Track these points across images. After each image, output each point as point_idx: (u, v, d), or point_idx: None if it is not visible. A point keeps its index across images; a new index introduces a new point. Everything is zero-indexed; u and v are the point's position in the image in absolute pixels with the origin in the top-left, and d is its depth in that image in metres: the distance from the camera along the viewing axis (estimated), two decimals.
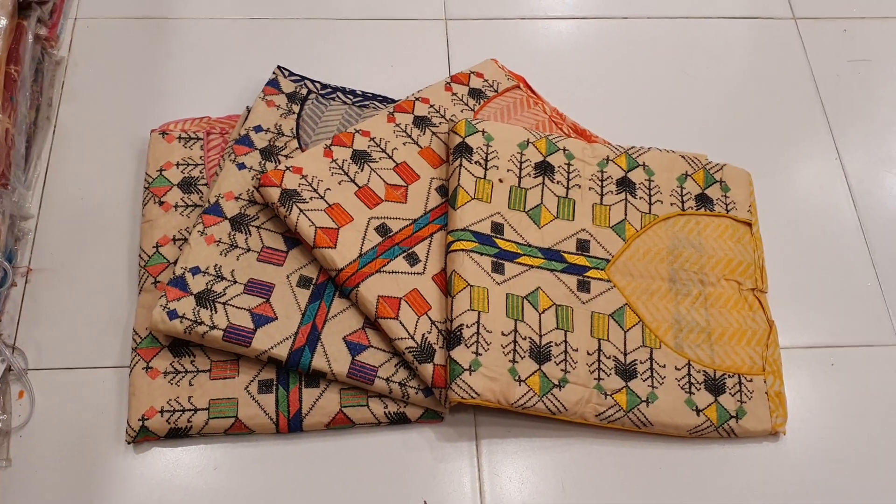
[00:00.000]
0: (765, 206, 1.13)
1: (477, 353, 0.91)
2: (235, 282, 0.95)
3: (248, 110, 1.09)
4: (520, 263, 0.98)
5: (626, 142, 1.13)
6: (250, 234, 0.99)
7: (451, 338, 0.92)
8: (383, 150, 1.05)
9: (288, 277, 0.97)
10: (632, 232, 1.04)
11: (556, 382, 0.92)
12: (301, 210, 0.97)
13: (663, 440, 0.97)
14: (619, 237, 1.03)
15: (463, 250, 0.96)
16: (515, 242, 0.99)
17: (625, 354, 0.96)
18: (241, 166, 1.03)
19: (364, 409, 0.93)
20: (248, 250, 0.98)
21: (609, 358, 0.95)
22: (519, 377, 0.91)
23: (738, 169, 1.13)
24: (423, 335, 0.93)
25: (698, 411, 0.95)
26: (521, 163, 1.05)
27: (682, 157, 1.11)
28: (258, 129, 1.06)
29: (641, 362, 0.96)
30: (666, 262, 1.03)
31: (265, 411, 0.92)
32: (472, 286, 0.94)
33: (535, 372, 0.92)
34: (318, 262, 0.97)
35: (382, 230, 0.99)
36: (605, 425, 0.94)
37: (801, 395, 1.02)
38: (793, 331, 1.06)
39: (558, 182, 1.05)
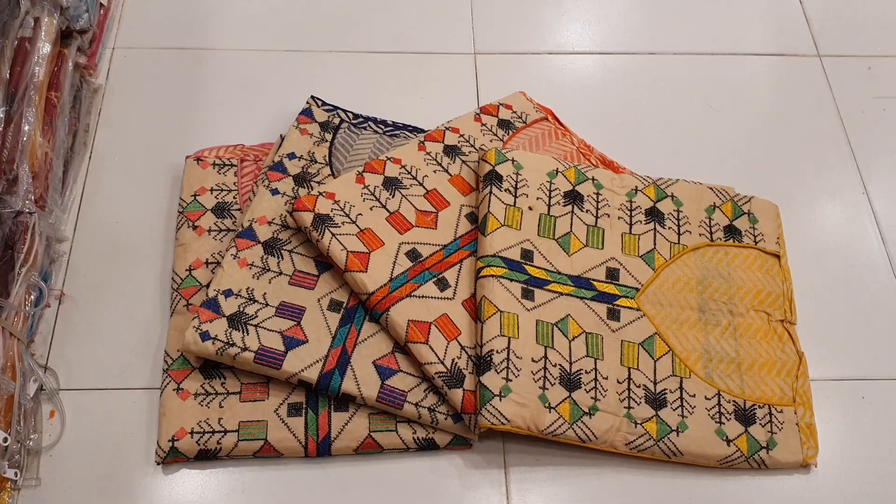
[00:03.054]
0: (792, 239, 1.13)
1: (507, 379, 0.91)
2: (267, 304, 0.96)
3: (282, 138, 1.11)
4: (550, 290, 0.98)
5: (653, 174, 1.14)
6: (282, 258, 1.00)
7: (482, 363, 0.92)
8: (414, 178, 1.06)
9: (319, 301, 0.97)
10: (661, 261, 1.04)
11: (587, 410, 0.92)
12: (333, 234, 0.98)
13: (693, 470, 0.96)
14: (648, 266, 1.03)
15: (493, 276, 0.97)
16: (545, 269, 1.00)
17: (655, 383, 0.96)
18: (275, 192, 1.04)
19: (393, 433, 0.93)
20: (280, 274, 0.99)
21: (639, 387, 0.95)
22: (549, 404, 0.91)
23: (765, 201, 1.13)
24: (453, 360, 0.93)
25: (728, 441, 0.94)
26: (550, 191, 1.06)
27: (710, 188, 1.11)
28: (291, 156, 1.08)
29: (671, 391, 0.96)
30: (695, 291, 1.03)
31: (294, 434, 0.92)
32: (502, 312, 0.94)
33: (566, 399, 0.92)
34: (348, 286, 0.98)
35: (413, 255, 0.99)
36: (635, 454, 0.93)
37: (832, 428, 1.01)
38: (822, 363, 1.05)
39: (587, 211, 1.05)
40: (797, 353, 1.03)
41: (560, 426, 0.90)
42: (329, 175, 1.08)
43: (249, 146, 1.13)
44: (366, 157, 1.11)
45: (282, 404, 0.94)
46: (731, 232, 1.09)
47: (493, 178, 1.04)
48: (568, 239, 1.03)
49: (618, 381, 0.95)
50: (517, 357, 0.92)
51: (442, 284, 0.98)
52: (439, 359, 0.93)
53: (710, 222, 1.09)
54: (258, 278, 0.98)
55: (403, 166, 1.07)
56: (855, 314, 1.10)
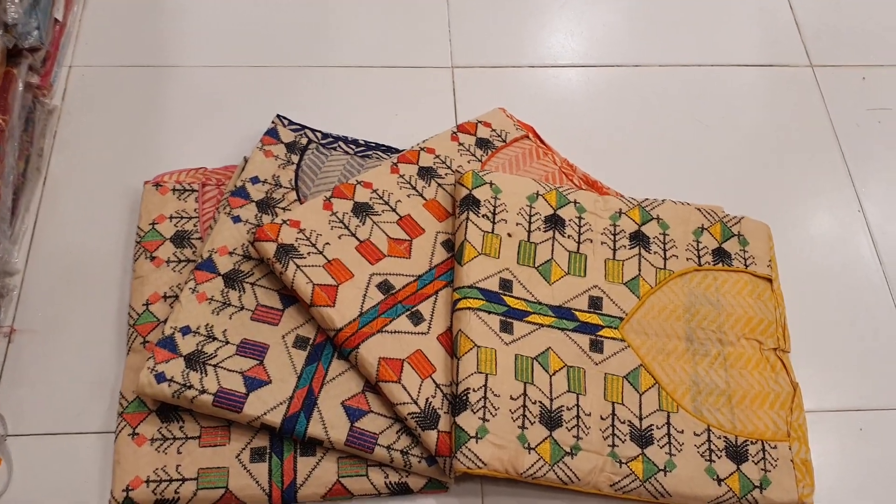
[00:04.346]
0: (785, 261, 1.08)
1: (484, 419, 0.85)
2: (227, 342, 0.90)
3: (246, 161, 1.05)
4: (529, 322, 0.93)
5: (639, 193, 1.08)
6: (244, 292, 0.94)
7: (457, 402, 0.86)
8: (386, 203, 1.00)
9: (283, 338, 0.91)
10: (646, 288, 0.98)
11: (568, 450, 0.86)
12: (298, 266, 0.92)
13: None
14: (632, 294, 0.97)
15: (470, 308, 0.91)
16: (525, 300, 0.94)
17: (640, 419, 0.90)
18: (237, 219, 0.98)
19: (363, 479, 0.87)
20: (242, 308, 0.93)
21: (624, 423, 0.89)
22: (528, 444, 0.85)
23: (756, 222, 1.08)
24: (427, 400, 0.87)
25: (720, 481, 0.88)
26: (530, 216, 1.00)
27: (698, 209, 1.06)
28: (255, 180, 1.02)
29: (658, 427, 0.90)
30: (682, 320, 0.98)
31: (257, 482, 0.86)
32: (479, 347, 0.89)
33: (546, 439, 0.86)
34: (315, 322, 0.92)
35: (385, 287, 0.93)
36: (621, 496, 0.87)
37: (829, 462, 0.95)
38: (818, 393, 1.00)
39: (569, 236, 1.00)
40: (791, 383, 0.97)
41: (540, 468, 0.85)
42: (295, 200, 1.02)
43: (212, 169, 1.07)
44: (335, 180, 1.05)
45: (244, 449, 0.87)
46: (721, 255, 1.03)
47: (471, 203, 0.98)
48: (549, 267, 0.97)
49: (601, 418, 0.89)
50: (495, 395, 0.87)
51: (416, 318, 0.93)
52: (412, 398, 0.87)
53: (697, 245, 1.03)
54: (218, 314, 0.92)
55: (375, 191, 1.01)
56: (853, 339, 1.05)
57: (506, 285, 0.94)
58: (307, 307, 0.91)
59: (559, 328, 0.93)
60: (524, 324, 0.92)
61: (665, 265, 1.01)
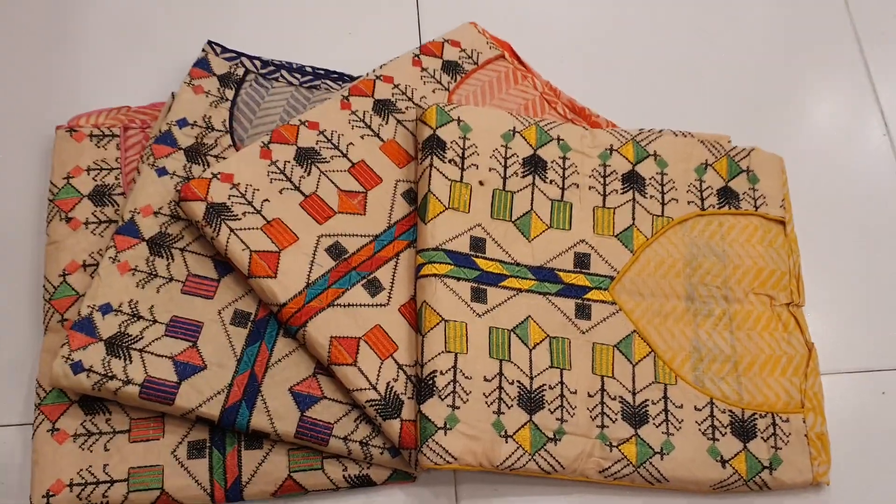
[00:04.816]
0: (798, 196, 0.94)
1: (454, 407, 0.73)
2: (155, 321, 0.77)
3: (174, 98, 0.90)
4: (506, 287, 0.80)
5: (633, 120, 0.94)
6: (173, 259, 0.80)
7: (423, 388, 0.74)
8: (336, 147, 0.86)
9: (220, 313, 0.79)
10: (641, 240, 0.85)
11: (551, 435, 0.75)
12: (232, 230, 0.78)
13: (681, 494, 0.80)
14: (625, 248, 0.84)
15: (435, 275, 0.78)
16: (500, 262, 0.81)
17: (633, 394, 0.79)
18: (162, 172, 0.84)
19: (318, 472, 0.77)
20: (171, 280, 0.79)
21: (614, 399, 0.78)
22: (505, 432, 0.74)
23: (768, 154, 0.93)
24: (389, 384, 0.75)
25: (724, 462, 0.78)
26: (506, 159, 0.85)
27: (702, 142, 0.91)
28: (182, 122, 0.87)
29: (654, 403, 0.79)
30: (682, 276, 0.85)
31: (197, 480, 0.75)
32: (447, 321, 0.76)
33: (526, 424, 0.75)
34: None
35: (335, 251, 0.80)
36: (611, 482, 0.77)
37: (847, 431, 0.85)
38: (835, 353, 0.88)
39: (552, 181, 0.86)
40: (806, 343, 0.85)
41: (519, 458, 0.74)
42: (230, 146, 0.87)
43: (136, 108, 0.92)
44: (277, 118, 0.90)
45: (180, 443, 0.76)
46: (727, 196, 0.89)
47: (435, 145, 0.83)
48: (528, 220, 0.83)
49: (588, 395, 0.78)
50: (466, 377, 0.75)
51: (373, 287, 0.80)
52: (371, 383, 0.75)
53: (700, 185, 0.89)
54: (143, 287, 0.79)
55: (322, 132, 0.86)
56: (876, 290, 0.93)
57: (478, 245, 0.81)
58: (245, 279, 0.78)
59: (540, 293, 0.81)
60: (500, 290, 0.80)
61: (663, 211, 0.87)
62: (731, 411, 0.80)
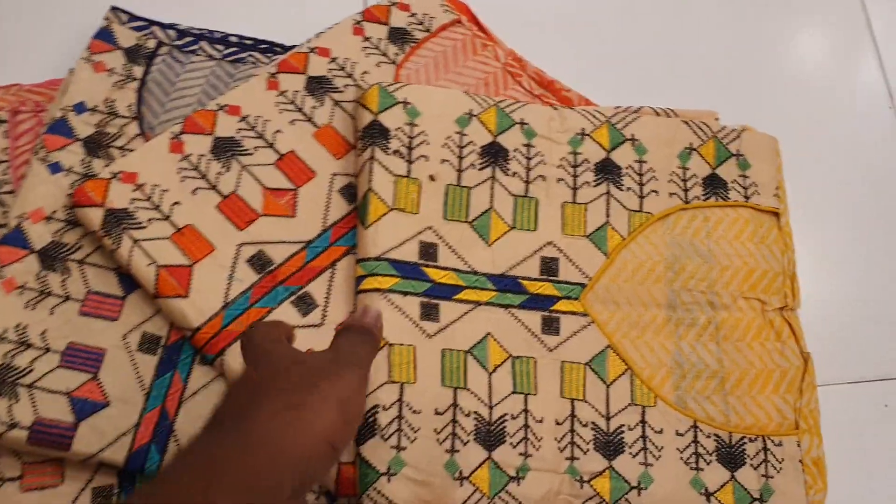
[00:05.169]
0: (793, 178, 0.83)
1: (399, 448, 0.63)
2: (48, 349, 0.66)
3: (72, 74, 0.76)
4: (461, 301, 0.69)
5: (607, 95, 0.82)
6: (69, 274, 0.68)
7: (361, 427, 0.63)
8: (260, 136, 0.73)
9: (125, 338, 0.67)
10: (616, 241, 0.74)
11: (513, 473, 0.65)
12: (135, 240, 0.66)
13: None
14: (598, 250, 0.73)
15: (378, 290, 0.66)
16: (455, 270, 0.70)
17: (607, 419, 0.69)
18: (56, 168, 0.71)
19: None
20: (67, 299, 0.68)
21: (585, 426, 0.68)
22: (460, 473, 0.64)
23: (760, 135, 0.82)
24: None
25: (709, 495, 0.68)
26: (461, 148, 0.73)
27: (685, 122, 0.80)
28: (80, 107, 0.74)
29: (630, 428, 0.69)
30: (663, 280, 0.74)
31: None
32: (391, 345, 0.65)
33: (484, 462, 0.65)
34: None
35: (259, 263, 0.68)
36: None
37: (845, 448, 0.75)
38: (832, 362, 0.78)
39: (514, 174, 0.74)
40: (801, 354, 0.76)
41: (477, 503, 0.63)
42: (138, 135, 0.74)
43: (28, 87, 0.78)
44: (194, 102, 0.77)
45: (83, 491, 0.66)
46: (714, 185, 0.78)
47: (377, 134, 0.71)
48: (487, 220, 0.72)
49: (556, 423, 0.68)
50: (413, 412, 0.64)
51: (305, 304, 0.68)
52: None
53: (684, 174, 0.78)
54: (34, 308, 0.67)
55: (244, 118, 0.73)
56: (879, 289, 0.82)
57: (428, 252, 0.69)
58: (153, 298, 0.66)
59: (502, 305, 0.70)
60: (454, 304, 0.69)
61: (641, 206, 0.76)
62: (716, 435, 0.70)
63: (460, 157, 0.73)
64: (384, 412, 0.63)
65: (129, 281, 0.68)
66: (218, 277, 0.67)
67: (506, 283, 0.70)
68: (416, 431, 0.64)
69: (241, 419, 0.42)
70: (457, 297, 0.69)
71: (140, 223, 0.67)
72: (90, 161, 0.72)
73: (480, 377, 0.67)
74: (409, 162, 0.71)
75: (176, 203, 0.68)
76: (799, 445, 0.72)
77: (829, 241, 0.83)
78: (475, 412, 0.66)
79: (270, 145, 0.73)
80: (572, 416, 0.68)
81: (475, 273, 0.70)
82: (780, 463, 0.71)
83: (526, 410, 0.67)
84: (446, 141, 0.73)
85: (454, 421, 0.65)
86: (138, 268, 0.66)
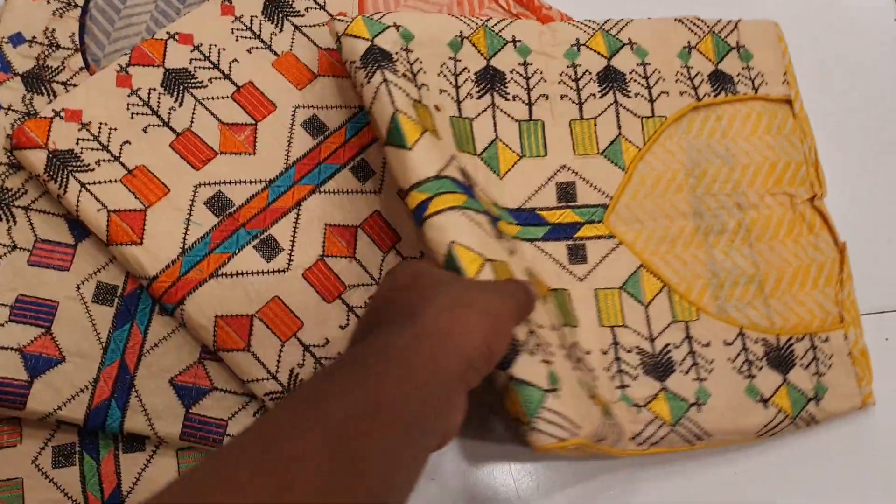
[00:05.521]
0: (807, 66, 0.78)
1: (547, 361, 0.55)
2: None
3: (5, 4, 0.70)
4: (502, 230, 0.64)
5: (591, 13, 0.76)
6: (15, 222, 0.64)
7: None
8: (216, 66, 0.67)
9: (78, 288, 0.63)
10: (632, 153, 0.69)
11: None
12: (83, 184, 0.61)
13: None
14: (615, 166, 0.69)
15: (454, 208, 0.57)
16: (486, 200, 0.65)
17: (651, 341, 0.65)
18: None
19: None
20: (14, 248, 0.63)
21: (630, 352, 0.65)
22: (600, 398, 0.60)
23: (758, 22, 0.77)
24: (293, 372, 0.61)
25: (765, 402, 0.65)
26: (455, 76, 0.68)
27: (678, 21, 0.75)
28: (17, 39, 0.68)
29: (676, 346, 0.66)
30: (686, 188, 0.70)
31: (66, 493, 0.62)
32: (490, 262, 0.56)
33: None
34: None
35: (218, 204, 0.64)
36: (648, 451, 0.63)
37: None
38: None
39: (515, 97, 0.69)
40: (837, 244, 0.73)
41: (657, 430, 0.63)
42: (82, 69, 0.68)
43: None
44: (143, 29, 0.71)
45: (43, 450, 0.62)
46: (720, 81, 0.74)
47: (379, 57, 0.62)
48: (495, 152, 0.67)
49: (602, 352, 0.64)
50: (539, 326, 0.57)
51: (268, 249, 0.64)
52: (270, 372, 0.60)
53: (689, 73, 0.73)
54: None
55: (197, 47, 0.68)
56: (874, 224, 0.78)
57: (466, 175, 0.62)
58: (105, 245, 0.62)
59: (527, 239, 0.66)
60: (501, 231, 0.63)
61: (653, 111, 0.71)
62: (764, 340, 0.67)
63: (457, 87, 0.67)
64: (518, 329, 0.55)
65: (80, 228, 0.64)
66: (174, 222, 0.62)
67: (525, 217, 0.66)
68: (552, 347, 0.57)
69: (410, 316, 0.43)
70: (499, 225, 0.63)
71: (87, 165, 0.62)
72: (31, 98, 0.66)
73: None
74: (417, 87, 0.64)
75: (126, 142, 0.63)
76: (846, 338, 0.69)
77: (829, 167, 0.78)
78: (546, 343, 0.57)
79: (226, 76, 0.67)
80: (615, 343, 0.65)
81: (498, 206, 0.65)
82: (830, 359, 0.68)
83: (573, 343, 0.62)
84: (441, 69, 0.67)
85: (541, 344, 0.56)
86: (88, 214, 0.61)
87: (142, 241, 0.61)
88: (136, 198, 0.62)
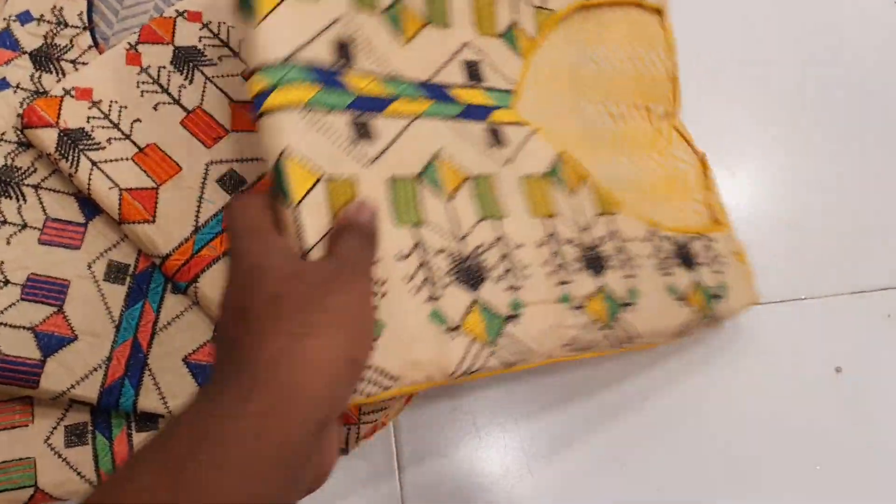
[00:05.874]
0: (790, 78, 0.78)
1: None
2: (7, 282, 0.61)
3: None
4: (396, 115, 0.54)
5: None
6: (25, 200, 0.63)
7: None
8: (225, 43, 0.67)
9: (90, 267, 0.63)
10: (526, 43, 0.66)
11: (508, 312, 0.54)
12: (94, 163, 0.61)
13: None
14: (513, 52, 0.64)
15: (294, 107, 0.48)
16: (379, 75, 0.54)
17: (584, 231, 0.60)
18: (3, 84, 0.65)
19: None
20: (25, 226, 0.63)
21: (568, 244, 0.59)
22: (450, 324, 0.50)
23: None
24: None
25: (683, 300, 0.64)
26: None
27: None
28: (25, 17, 0.67)
29: (607, 239, 0.61)
30: (570, 90, 0.68)
31: (79, 473, 0.62)
32: (327, 178, 0.48)
33: (472, 306, 0.52)
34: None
35: (231, 182, 0.64)
36: (576, 356, 0.58)
37: (850, 359, 0.73)
38: (834, 272, 0.75)
39: None
40: (696, 153, 0.74)
41: (478, 354, 0.52)
42: (91, 47, 0.68)
43: None
44: (151, 7, 0.70)
45: (55, 429, 0.62)
46: None
47: None
48: (399, 9, 0.56)
49: (537, 245, 0.57)
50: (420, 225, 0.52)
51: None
52: None
53: None
54: None
55: (206, 24, 0.67)
56: (875, 201, 0.79)
57: (343, 52, 0.52)
58: (117, 224, 0.62)
59: (441, 116, 0.56)
60: (388, 119, 0.53)
61: (544, 1, 0.68)
62: (669, 238, 0.66)
63: None
64: None
65: (90, 206, 0.64)
66: (187, 200, 0.62)
67: (437, 93, 0.57)
68: (383, 284, 0.48)
69: (243, 363, 0.35)
70: (389, 109, 0.53)
71: (98, 144, 0.61)
72: (40, 76, 0.66)
73: (439, 207, 0.53)
74: None
75: (136, 120, 0.63)
76: (727, 239, 0.71)
77: (826, 149, 0.78)
78: (446, 249, 0.52)
79: (236, 54, 0.67)
80: (551, 234, 0.58)
81: (401, 79, 0.55)
82: (725, 258, 0.69)
83: (502, 238, 0.56)
84: None
85: (424, 265, 0.51)
86: (99, 192, 0.60)
87: (154, 220, 0.61)
88: (147, 176, 0.62)
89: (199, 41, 0.66)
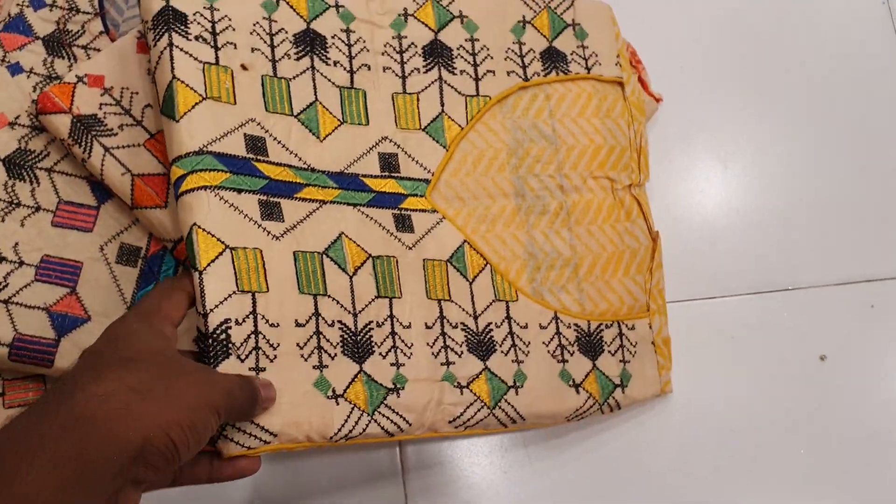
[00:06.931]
0: (782, 75, 0.80)
1: (258, 368, 0.54)
2: (22, 263, 0.63)
3: None
4: (305, 199, 0.61)
5: None
6: (38, 183, 0.65)
7: (213, 347, 0.53)
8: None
9: (102, 249, 0.65)
10: (455, 131, 0.70)
11: (391, 385, 0.60)
12: (107, 148, 0.63)
13: None
14: (436, 143, 0.69)
15: (207, 188, 0.56)
16: (291, 167, 0.62)
17: (475, 318, 0.66)
18: (16, 69, 0.67)
19: None
20: (38, 209, 0.65)
21: (456, 327, 0.65)
22: (333, 391, 0.57)
23: (593, 3, 0.80)
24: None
25: (577, 386, 0.69)
26: (271, 36, 0.65)
27: None
28: (38, 2, 0.69)
29: (497, 325, 0.67)
30: (508, 168, 0.72)
31: None
32: (233, 249, 0.56)
33: (357, 376, 0.58)
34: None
35: None
36: (463, 433, 0.64)
37: (834, 348, 0.76)
38: (819, 263, 0.78)
39: (336, 63, 0.67)
40: (650, 233, 0.77)
41: (357, 422, 0.57)
42: (102, 33, 0.69)
43: None
44: None
45: None
46: (553, 59, 0.76)
47: (172, 19, 0.60)
48: (314, 113, 0.65)
49: (426, 326, 0.63)
50: (271, 325, 0.56)
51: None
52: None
53: (520, 49, 0.75)
54: (3, 220, 0.64)
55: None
56: (862, 194, 0.81)
57: (256, 146, 0.60)
58: (129, 209, 0.64)
59: (349, 203, 0.63)
60: (297, 202, 0.61)
61: (478, 89, 0.72)
62: (576, 325, 0.70)
63: (272, 47, 0.64)
64: (237, 327, 0.54)
65: (102, 189, 0.65)
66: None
67: (348, 182, 0.64)
68: (276, 348, 0.55)
69: (68, 396, 0.40)
70: (299, 194, 0.61)
71: (111, 130, 0.63)
72: (52, 61, 0.67)
73: (341, 280, 0.60)
74: (216, 48, 0.61)
75: (148, 106, 0.65)
76: (650, 327, 0.74)
77: (817, 142, 0.81)
78: (340, 321, 0.59)
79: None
80: (441, 317, 0.64)
81: (312, 169, 0.63)
82: (635, 347, 0.72)
83: (392, 316, 0.62)
84: (254, 28, 0.64)
85: (318, 333, 0.58)
86: (112, 178, 0.62)
87: (166, 205, 0.62)
88: (159, 161, 0.63)
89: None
